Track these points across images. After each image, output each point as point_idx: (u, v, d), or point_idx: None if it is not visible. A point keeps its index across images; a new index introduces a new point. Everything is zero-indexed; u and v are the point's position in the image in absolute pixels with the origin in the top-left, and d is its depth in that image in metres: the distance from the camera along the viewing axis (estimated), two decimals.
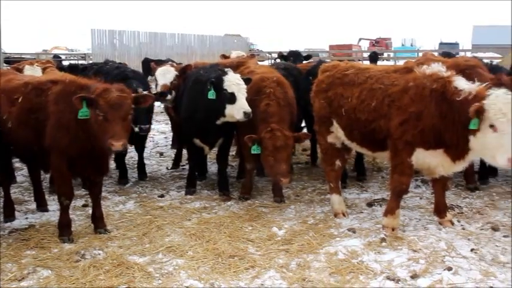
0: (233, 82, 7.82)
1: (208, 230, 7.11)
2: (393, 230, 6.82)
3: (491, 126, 5.88)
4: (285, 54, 14.57)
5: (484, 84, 6.23)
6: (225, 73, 7.96)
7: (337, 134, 7.54)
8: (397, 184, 6.81)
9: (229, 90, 7.79)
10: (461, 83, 6.33)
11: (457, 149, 6.35)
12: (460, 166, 6.68)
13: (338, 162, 7.76)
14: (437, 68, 6.62)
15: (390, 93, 6.75)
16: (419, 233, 6.82)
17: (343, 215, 7.59)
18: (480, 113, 5.88)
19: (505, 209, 7.77)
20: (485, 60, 11.18)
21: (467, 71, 7.43)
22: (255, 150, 7.69)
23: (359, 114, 7.02)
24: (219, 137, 8.62)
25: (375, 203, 8.11)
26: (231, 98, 7.78)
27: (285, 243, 6.63)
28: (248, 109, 7.69)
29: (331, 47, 51.67)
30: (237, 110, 7.74)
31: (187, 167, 9.75)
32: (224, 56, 15.41)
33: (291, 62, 12.44)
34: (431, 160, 6.61)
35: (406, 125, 6.51)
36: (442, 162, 6.58)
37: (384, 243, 6.50)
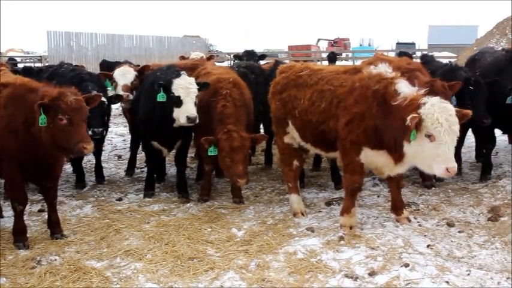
0: (181, 85, 7.76)
1: (167, 232, 7.07)
2: (351, 228, 6.87)
3: (428, 135, 5.85)
4: (240, 54, 14.62)
5: (422, 91, 6.20)
6: (178, 76, 7.90)
7: (293, 135, 7.59)
8: (349, 183, 6.88)
9: (176, 94, 7.76)
10: (403, 86, 6.31)
11: (395, 151, 6.34)
12: (402, 168, 6.66)
13: (296, 162, 7.81)
14: (384, 69, 6.65)
15: (338, 94, 6.82)
16: (376, 231, 6.90)
17: (302, 214, 7.63)
18: (419, 124, 5.83)
19: (460, 205, 7.93)
20: (445, 61, 11.43)
21: (407, 74, 7.46)
22: (212, 151, 7.68)
23: (310, 116, 7.09)
24: (178, 140, 8.56)
25: (333, 202, 8.16)
26: (178, 102, 7.75)
27: (244, 244, 6.64)
28: (192, 114, 7.65)
29: (290, 47, 51.86)
30: (182, 114, 7.71)
31: (145, 169, 9.67)
32: (183, 58, 15.33)
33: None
34: (378, 160, 6.66)
35: (351, 125, 6.57)
36: (386, 162, 6.61)
37: (342, 242, 6.56)
